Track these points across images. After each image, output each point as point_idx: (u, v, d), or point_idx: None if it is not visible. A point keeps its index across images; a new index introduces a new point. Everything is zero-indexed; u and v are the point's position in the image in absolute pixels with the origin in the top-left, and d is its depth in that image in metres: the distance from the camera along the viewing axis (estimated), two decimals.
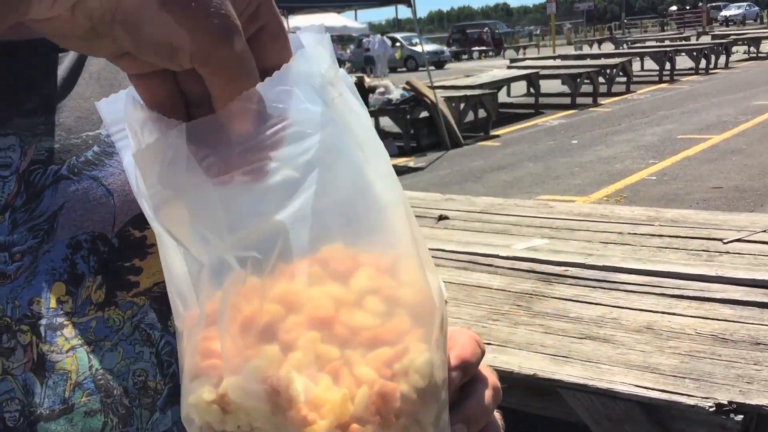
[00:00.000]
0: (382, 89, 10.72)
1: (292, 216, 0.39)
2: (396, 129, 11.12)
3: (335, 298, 0.40)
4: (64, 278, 0.60)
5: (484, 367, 0.52)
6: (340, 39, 32.41)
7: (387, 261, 0.42)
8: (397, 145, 10.56)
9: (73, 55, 0.65)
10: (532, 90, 14.21)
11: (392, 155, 10.23)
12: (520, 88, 15.17)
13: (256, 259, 0.38)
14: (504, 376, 2.12)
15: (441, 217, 3.82)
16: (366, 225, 0.42)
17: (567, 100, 13.85)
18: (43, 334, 0.58)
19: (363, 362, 0.39)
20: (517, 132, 11.50)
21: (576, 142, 10.12)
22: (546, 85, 14.36)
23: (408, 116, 10.47)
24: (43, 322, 0.58)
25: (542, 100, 13.84)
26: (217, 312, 0.39)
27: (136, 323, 0.62)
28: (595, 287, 2.65)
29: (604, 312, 2.43)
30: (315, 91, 0.40)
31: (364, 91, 10.67)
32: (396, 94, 10.61)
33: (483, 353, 0.52)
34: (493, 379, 0.53)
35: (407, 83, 10.81)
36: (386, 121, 11.57)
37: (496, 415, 0.54)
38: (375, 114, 11.00)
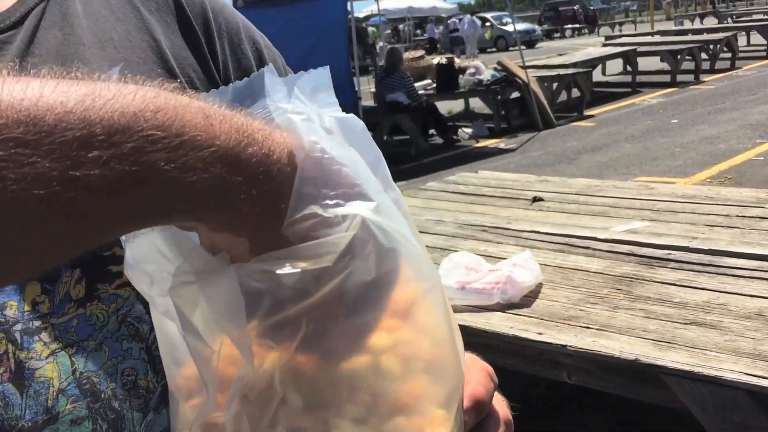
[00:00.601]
0: (472, 70, 10.60)
1: (320, 299, 0.38)
2: (486, 110, 10.98)
3: (350, 373, 0.39)
4: (38, 276, 0.54)
5: (495, 398, 0.51)
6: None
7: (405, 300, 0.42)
8: (488, 126, 10.43)
9: (24, 36, 0.60)
10: (628, 68, 13.68)
11: (482, 137, 10.16)
12: (615, 66, 14.64)
13: (272, 347, 0.38)
14: (604, 360, 2.08)
15: (535, 199, 3.75)
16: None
17: (666, 78, 13.26)
18: (19, 341, 0.53)
19: None
20: (613, 111, 11.12)
21: (676, 121, 9.69)
22: (644, 63, 13.79)
23: (499, 97, 10.31)
24: (18, 327, 0.54)
25: (640, 78, 13.30)
26: (225, 411, 0.38)
27: (122, 317, 0.57)
28: (700, 271, 2.54)
29: (710, 297, 2.33)
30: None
31: (454, 72, 10.58)
32: (487, 74, 10.48)
33: (496, 386, 0.50)
34: (504, 411, 0.51)
35: (498, 63, 10.64)
36: (476, 102, 11.44)
37: None
38: (465, 95, 10.90)
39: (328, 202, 0.38)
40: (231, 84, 0.44)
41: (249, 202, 0.36)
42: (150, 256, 0.43)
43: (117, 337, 0.56)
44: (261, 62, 0.71)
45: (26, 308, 0.54)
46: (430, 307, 0.42)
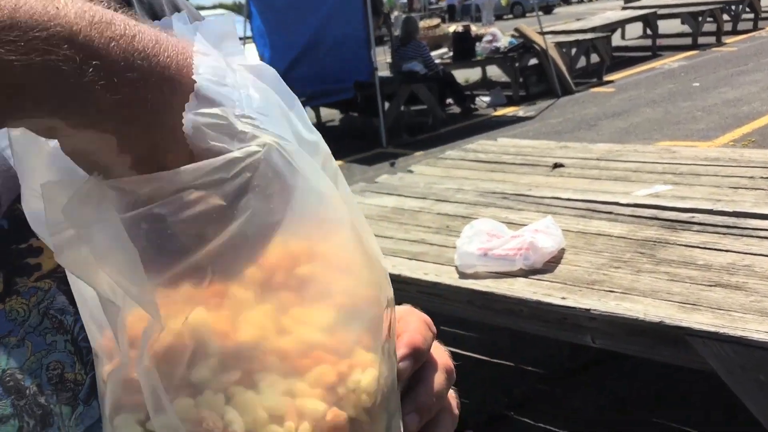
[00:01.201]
0: (489, 37, 10.47)
1: (222, 245, 0.35)
2: (504, 78, 10.86)
3: (270, 321, 0.37)
4: None
5: (435, 348, 0.51)
6: None
7: (323, 248, 0.40)
8: (506, 94, 10.33)
9: None
10: (648, 31, 13.45)
11: (500, 105, 10.07)
12: (635, 29, 14.40)
13: (176, 299, 0.36)
14: (629, 323, 2.08)
15: (556, 165, 3.73)
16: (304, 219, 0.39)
17: (687, 41, 13.02)
18: None
19: (307, 387, 0.37)
20: (633, 76, 10.96)
21: (698, 84, 9.54)
22: (664, 26, 13.54)
23: (516, 64, 10.20)
24: None
25: (660, 42, 13.07)
26: (136, 367, 0.36)
27: (44, 310, 0.54)
28: (724, 234, 2.52)
29: (735, 259, 2.32)
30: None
31: (470, 40, 10.46)
32: (504, 41, 10.35)
33: (434, 336, 0.50)
34: (444, 360, 0.51)
35: (516, 30, 10.51)
36: (494, 70, 11.32)
37: (452, 393, 0.52)
38: (482, 63, 10.78)
39: (240, 120, 0.35)
40: None
41: (108, 89, 0.32)
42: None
43: (40, 331, 0.54)
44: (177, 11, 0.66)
45: None
46: (341, 242, 0.40)
